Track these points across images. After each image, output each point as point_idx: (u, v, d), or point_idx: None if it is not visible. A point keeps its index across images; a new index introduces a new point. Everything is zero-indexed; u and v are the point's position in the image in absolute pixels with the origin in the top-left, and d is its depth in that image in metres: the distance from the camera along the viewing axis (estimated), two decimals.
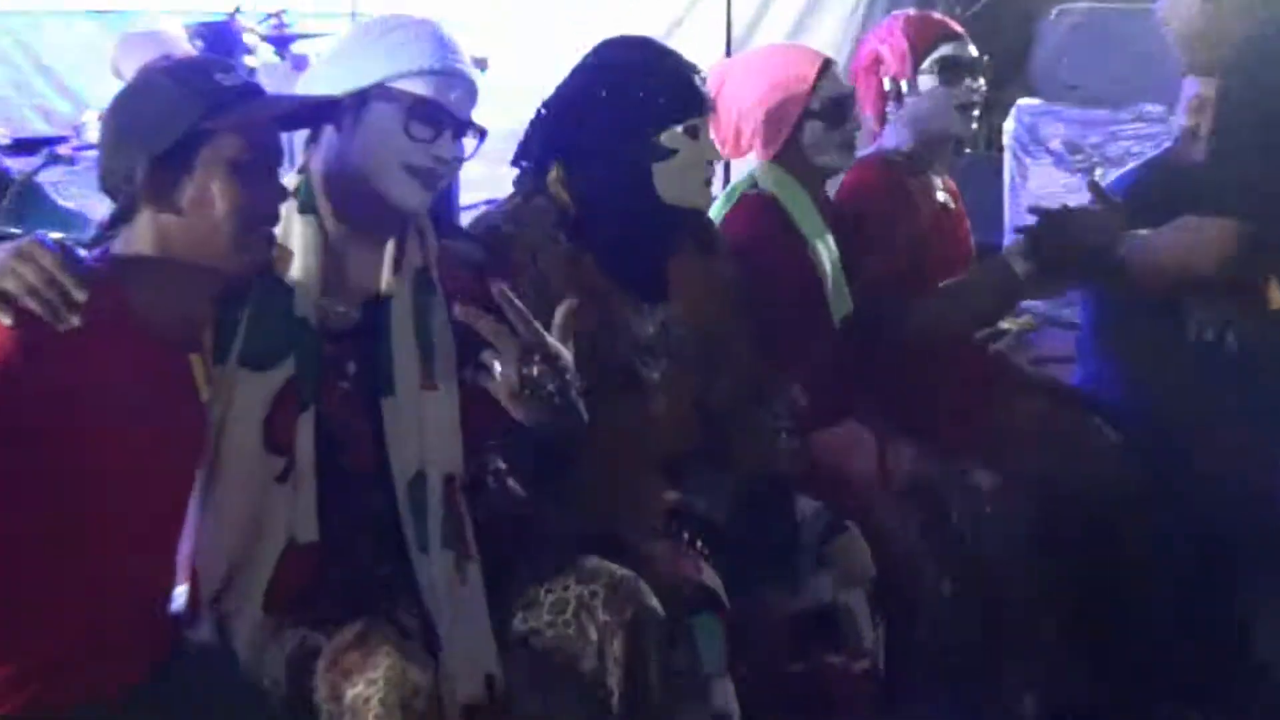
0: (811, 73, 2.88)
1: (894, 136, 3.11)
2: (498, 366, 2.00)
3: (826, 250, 2.87)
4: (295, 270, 2.04)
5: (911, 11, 3.21)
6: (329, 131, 2.08)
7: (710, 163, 2.48)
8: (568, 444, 2.15)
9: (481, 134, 2.12)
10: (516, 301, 2.00)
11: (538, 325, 2.02)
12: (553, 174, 2.48)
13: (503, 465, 2.28)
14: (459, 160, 2.10)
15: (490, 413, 2.06)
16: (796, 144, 2.88)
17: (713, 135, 2.85)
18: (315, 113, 2.04)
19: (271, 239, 1.92)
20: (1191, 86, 3.28)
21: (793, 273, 2.81)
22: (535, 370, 2.00)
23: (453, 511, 2.12)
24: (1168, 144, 3.53)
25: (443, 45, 2.08)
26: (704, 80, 2.49)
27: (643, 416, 2.50)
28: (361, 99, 2.05)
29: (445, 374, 2.13)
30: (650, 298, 2.52)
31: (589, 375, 2.34)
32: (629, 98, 2.42)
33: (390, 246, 2.12)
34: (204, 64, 1.91)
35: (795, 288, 2.81)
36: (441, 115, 2.06)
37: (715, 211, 2.90)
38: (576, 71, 2.49)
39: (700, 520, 2.49)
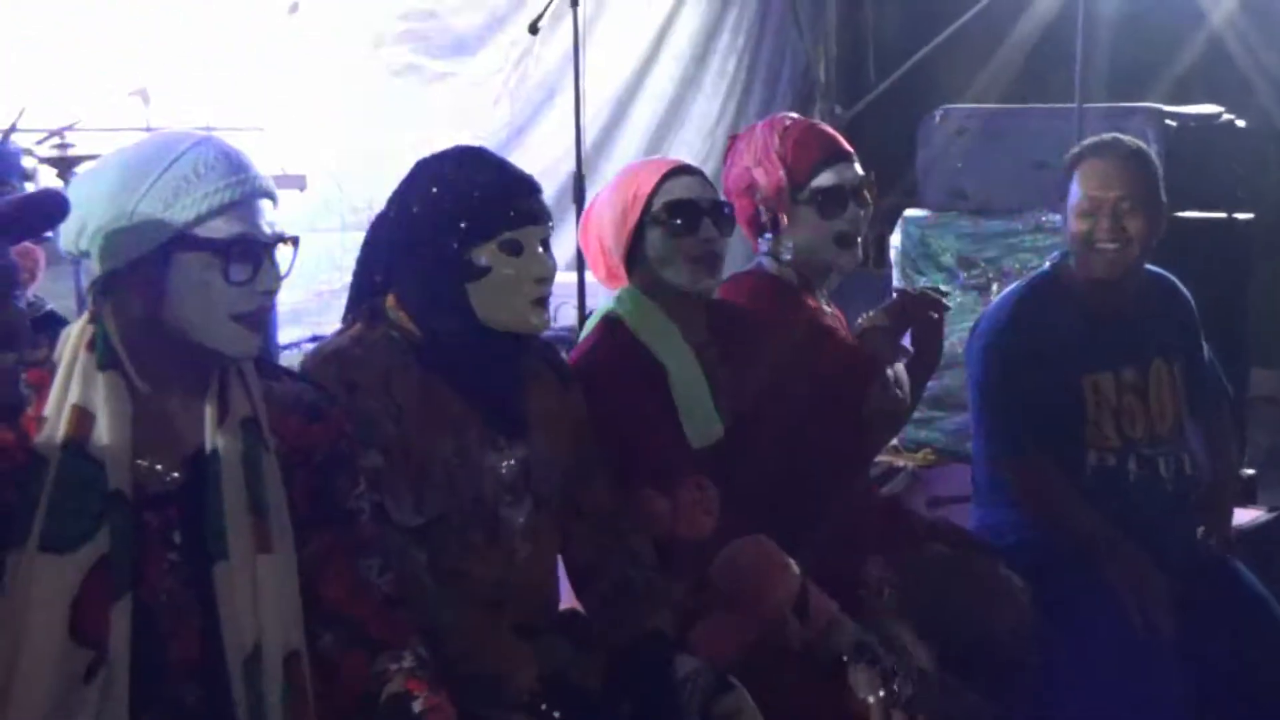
0: (656, 177, 2.95)
1: (769, 263, 3.20)
2: None
3: (686, 374, 2.93)
4: (101, 435, 2.04)
5: (788, 121, 3.24)
6: (122, 294, 2.08)
7: (542, 281, 2.52)
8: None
9: (294, 243, 2.17)
10: None
11: None
12: (390, 300, 2.56)
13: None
14: (280, 281, 2.15)
15: (345, 571, 2.15)
16: (644, 258, 2.96)
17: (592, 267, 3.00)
18: (40, 211, 2.01)
19: (14, 375, 1.96)
20: (1082, 187, 3.39)
21: (637, 401, 2.87)
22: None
23: (296, 692, 2.14)
24: (1055, 256, 3.64)
25: (234, 165, 2.11)
26: (532, 190, 2.53)
27: (504, 567, 2.57)
28: (161, 254, 2.07)
29: (281, 535, 2.16)
30: (507, 431, 2.57)
31: (445, 512, 2.44)
32: (439, 212, 2.50)
33: (211, 393, 2.15)
34: None
35: (639, 417, 2.86)
36: (256, 249, 2.10)
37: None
38: (397, 190, 2.57)
39: (571, 690, 2.51)
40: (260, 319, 2.13)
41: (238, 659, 2.08)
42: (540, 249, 2.54)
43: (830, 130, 3.31)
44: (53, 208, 2.00)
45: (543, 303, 2.55)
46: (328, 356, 2.49)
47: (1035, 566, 3.20)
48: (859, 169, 3.20)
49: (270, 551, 2.14)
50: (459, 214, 2.48)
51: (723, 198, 3.06)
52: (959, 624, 2.98)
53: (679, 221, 2.91)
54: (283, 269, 2.16)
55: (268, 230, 2.13)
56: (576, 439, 2.71)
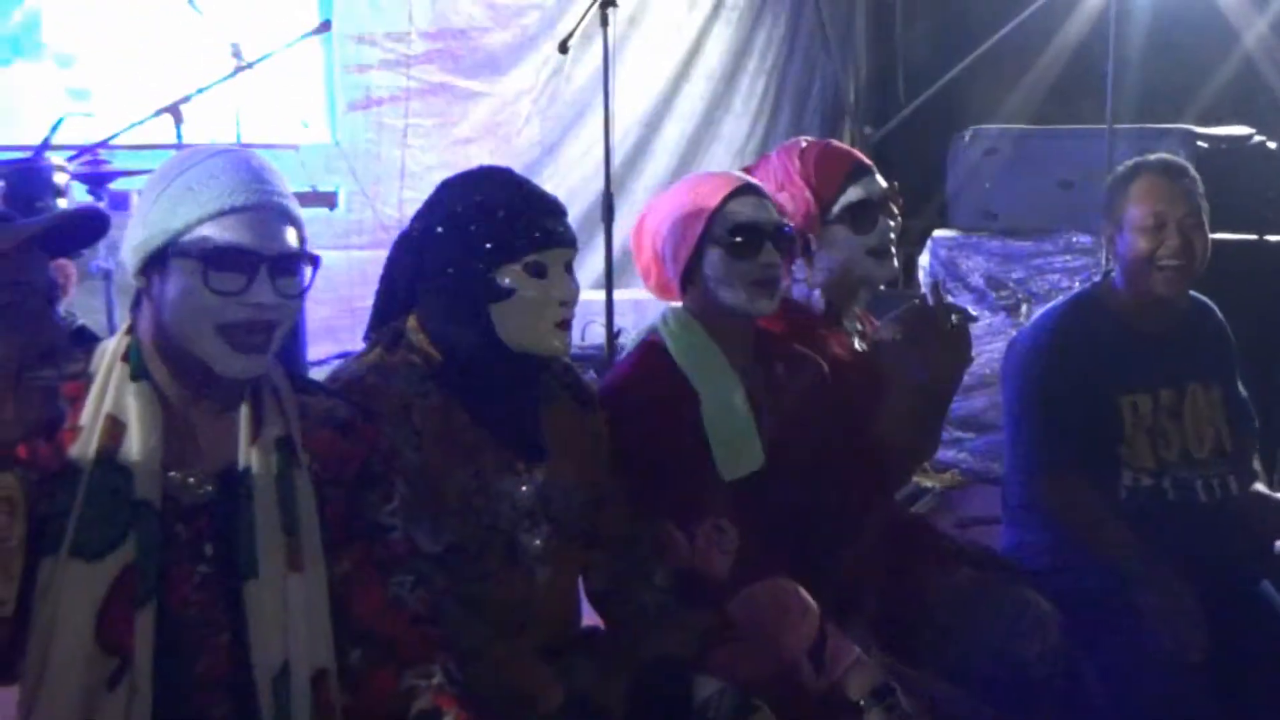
0: (719, 195, 2.87)
1: (801, 291, 3.17)
2: None
3: (724, 403, 2.86)
4: (132, 446, 2.05)
5: (804, 144, 3.22)
6: (144, 302, 2.12)
7: (565, 304, 2.50)
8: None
9: (315, 262, 2.15)
10: None
11: None
12: (411, 321, 2.55)
13: None
14: (289, 300, 2.12)
15: (376, 587, 2.13)
16: (699, 276, 2.90)
17: (645, 279, 2.96)
18: (82, 227, 2.02)
19: (53, 391, 1.93)
20: (1143, 204, 3.35)
21: (667, 430, 2.81)
22: None
23: (324, 711, 2.13)
24: (1097, 277, 3.64)
25: (243, 175, 2.10)
26: (557, 212, 2.53)
27: (524, 591, 2.55)
28: (160, 259, 2.08)
29: (313, 554, 2.16)
30: (525, 456, 2.57)
31: (461, 540, 2.43)
32: (463, 232, 2.48)
33: (245, 411, 2.15)
34: None
35: (668, 447, 2.79)
36: (247, 258, 2.07)
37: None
38: (421, 209, 2.56)
39: (594, 714, 2.48)
40: (253, 334, 2.09)
41: (266, 677, 2.08)
42: (564, 272, 2.52)
43: (846, 146, 3.30)
44: (95, 223, 2.03)
45: (565, 325, 2.52)
46: (347, 385, 2.46)
47: (1066, 590, 3.15)
48: (882, 181, 3.19)
49: (301, 571, 2.13)
50: (484, 235, 2.47)
51: (783, 219, 2.96)
52: (986, 649, 2.93)
53: (741, 244, 2.84)
54: (292, 288, 2.13)
55: (273, 245, 2.09)
56: (596, 464, 2.68)
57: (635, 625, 2.66)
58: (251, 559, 2.10)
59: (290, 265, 2.12)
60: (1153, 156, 3.48)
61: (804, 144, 3.22)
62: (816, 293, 3.18)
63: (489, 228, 2.47)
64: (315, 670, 2.13)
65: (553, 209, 2.54)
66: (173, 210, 2.08)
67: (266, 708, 2.07)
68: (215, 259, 2.05)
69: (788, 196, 3.12)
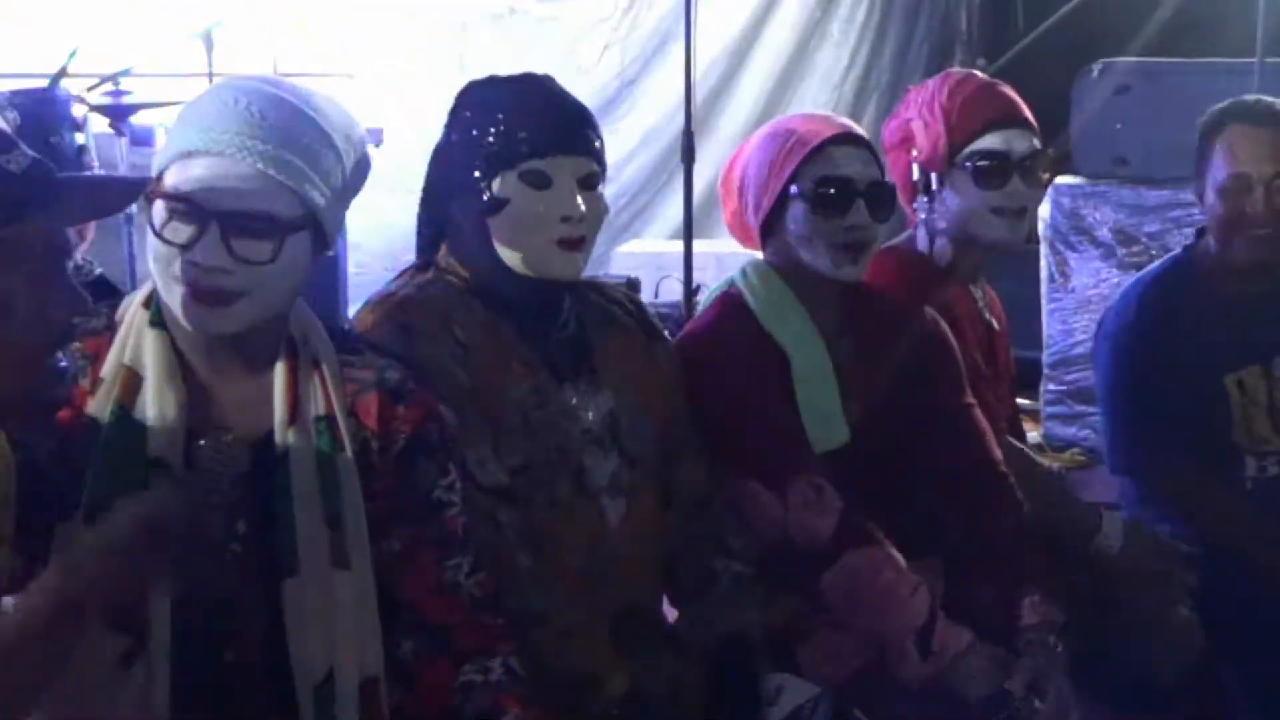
0: (813, 140, 2.79)
1: (923, 236, 3.10)
2: None
3: (814, 368, 2.80)
4: (148, 398, 2.04)
5: (964, 75, 3.17)
6: None
7: (569, 220, 2.41)
8: None
9: (313, 228, 2.08)
10: None
11: None
12: (443, 249, 2.52)
13: None
14: (251, 266, 2.02)
15: (429, 571, 2.14)
16: (780, 228, 2.83)
17: (727, 222, 2.97)
18: (117, 197, 1.99)
19: (64, 367, 1.96)
20: (1229, 160, 3.24)
21: (752, 390, 2.75)
22: None
23: None
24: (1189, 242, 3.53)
25: (225, 116, 2.04)
26: (572, 116, 2.46)
27: (597, 529, 2.49)
28: (148, 195, 2.05)
29: (359, 549, 2.12)
30: (582, 379, 2.52)
31: (528, 461, 2.41)
32: (466, 137, 2.44)
33: (280, 378, 2.11)
34: None
35: (754, 409, 2.75)
36: (194, 210, 2.01)
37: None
38: (447, 116, 2.52)
39: (658, 713, 2.46)
40: (203, 294, 2.01)
41: (307, 685, 2.05)
42: (575, 186, 2.42)
43: (1012, 94, 3.17)
44: (129, 192, 1.99)
45: (572, 245, 2.42)
46: (378, 303, 2.43)
47: (1197, 585, 3.10)
48: (1036, 142, 3.09)
49: (348, 568, 2.10)
50: (483, 138, 2.41)
51: (886, 178, 2.91)
52: (1119, 662, 2.91)
53: (829, 199, 2.75)
54: (255, 253, 2.02)
55: (227, 201, 2.01)
56: (666, 401, 2.64)
57: (701, 595, 2.63)
58: (292, 554, 2.07)
59: (253, 227, 2.02)
60: (1249, 99, 3.35)
61: (964, 75, 3.18)
62: (942, 240, 3.10)
63: (488, 130, 2.41)
64: (364, 678, 2.10)
65: (567, 111, 2.47)
66: (164, 147, 2.09)
67: (307, 716, 2.05)
68: (169, 205, 2.02)
69: (920, 124, 3.08)
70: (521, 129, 2.40)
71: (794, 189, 2.77)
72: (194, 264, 2.01)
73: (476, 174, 2.41)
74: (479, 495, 2.35)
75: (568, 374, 2.51)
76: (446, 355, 2.38)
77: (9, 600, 1.90)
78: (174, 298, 2.03)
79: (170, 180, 2.03)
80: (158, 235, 2.02)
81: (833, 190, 2.75)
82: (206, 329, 2.06)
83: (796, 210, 2.78)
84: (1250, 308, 3.33)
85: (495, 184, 2.39)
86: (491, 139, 2.40)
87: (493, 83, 2.51)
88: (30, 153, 1.83)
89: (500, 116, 2.41)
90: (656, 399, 2.62)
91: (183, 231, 2.01)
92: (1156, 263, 3.58)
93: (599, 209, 2.47)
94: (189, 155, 2.02)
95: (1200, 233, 3.42)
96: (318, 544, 2.08)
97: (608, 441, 2.52)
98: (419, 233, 2.57)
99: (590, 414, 2.51)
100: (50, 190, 1.83)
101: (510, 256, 2.42)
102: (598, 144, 2.48)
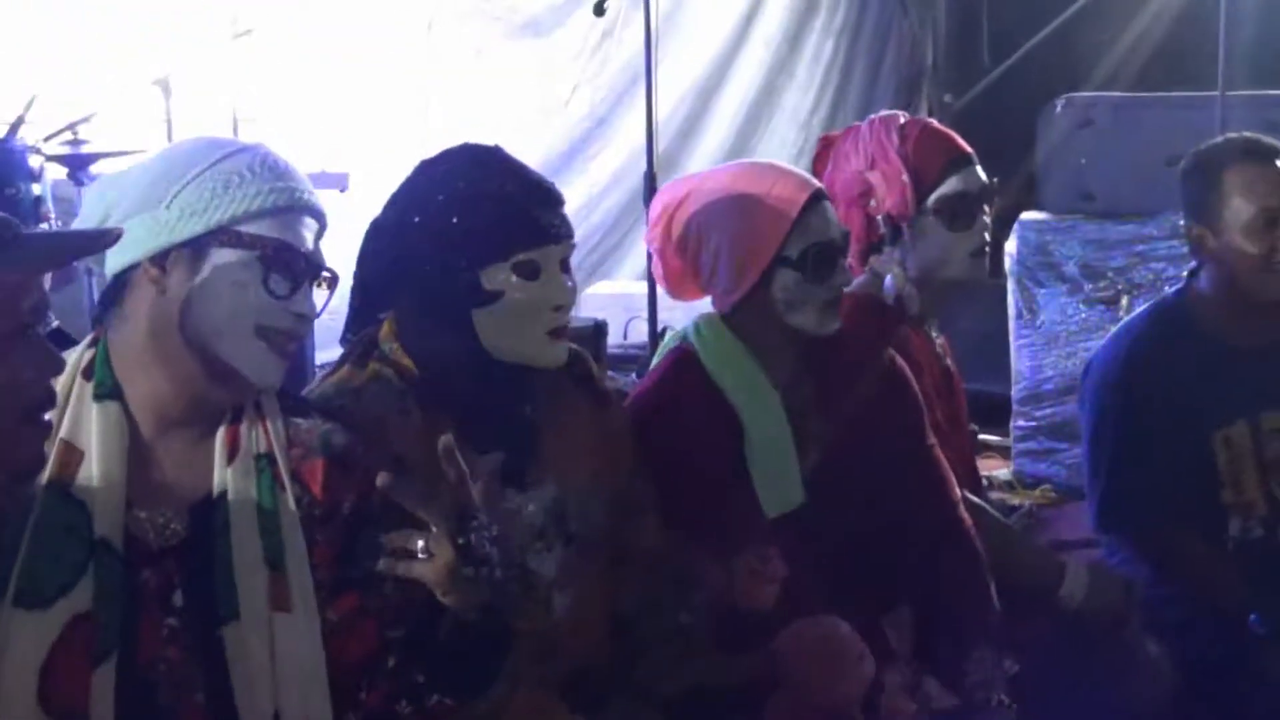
0: (795, 208, 2.74)
1: (890, 284, 3.09)
2: (420, 543, 1.98)
3: (768, 430, 2.78)
4: (92, 476, 1.98)
5: (903, 119, 3.15)
6: (137, 295, 2.04)
7: (560, 309, 2.42)
8: (502, 641, 2.11)
9: (333, 281, 2.13)
10: (458, 455, 2.00)
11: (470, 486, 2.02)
12: (384, 329, 2.47)
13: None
14: (313, 317, 2.10)
15: (370, 639, 2.08)
16: (763, 295, 2.78)
17: (658, 271, 2.93)
18: (88, 247, 1.96)
19: (47, 429, 1.87)
20: (1250, 199, 3.19)
21: (703, 456, 2.73)
22: (475, 539, 1.99)
23: None
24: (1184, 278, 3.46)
25: (286, 174, 2.09)
26: (553, 201, 2.43)
27: (543, 624, 2.44)
28: (196, 247, 2.02)
29: (301, 591, 2.08)
30: (527, 472, 2.48)
31: None
32: (444, 225, 2.39)
33: (221, 434, 2.08)
34: None
35: (703, 476, 2.72)
36: (299, 263, 2.06)
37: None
38: (397, 193, 2.47)
39: None
40: (289, 343, 2.07)
41: None
42: (560, 271, 2.43)
43: (947, 130, 3.21)
44: (102, 243, 1.95)
45: (561, 333, 2.44)
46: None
47: (1172, 624, 3.12)
48: (983, 174, 3.12)
49: (289, 610, 2.05)
50: (467, 228, 2.37)
51: (844, 226, 2.89)
52: (1092, 706, 2.90)
53: (819, 265, 2.74)
54: (313, 307, 2.11)
55: (319, 255, 2.11)
56: (616, 468, 2.61)
57: (668, 650, 2.60)
58: (231, 598, 2.02)
59: (318, 279, 2.12)
60: (1241, 138, 3.33)
61: (902, 119, 3.16)
62: (909, 288, 3.10)
63: (473, 220, 2.37)
64: None
65: (547, 197, 2.45)
66: (219, 194, 2.04)
67: None
68: (276, 259, 2.04)
69: (880, 176, 3.08)
70: (511, 219, 2.38)
71: (783, 260, 2.74)
72: (297, 315, 2.06)
73: (461, 264, 2.38)
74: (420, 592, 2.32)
75: (510, 475, 2.41)
76: (381, 468, 2.26)
77: None
78: (246, 346, 2.04)
79: (271, 234, 2.04)
80: (264, 286, 2.03)
81: (823, 254, 2.74)
82: (267, 381, 2.07)
83: (787, 279, 2.75)
84: (1245, 358, 3.29)
85: (483, 276, 2.37)
86: (479, 229, 2.37)
87: (458, 162, 2.46)
88: None
89: (488, 206, 2.39)
90: (606, 470, 2.60)
91: (285, 282, 2.05)
92: (1144, 307, 3.55)
93: (574, 291, 2.48)
94: (274, 212, 2.05)
95: (1193, 274, 3.37)
96: (258, 586, 2.04)
97: (552, 532, 2.51)
98: (354, 309, 2.52)
99: (533, 507, 2.49)
100: (4, 240, 1.80)
101: (499, 347, 2.41)
102: (569, 226, 2.48)
